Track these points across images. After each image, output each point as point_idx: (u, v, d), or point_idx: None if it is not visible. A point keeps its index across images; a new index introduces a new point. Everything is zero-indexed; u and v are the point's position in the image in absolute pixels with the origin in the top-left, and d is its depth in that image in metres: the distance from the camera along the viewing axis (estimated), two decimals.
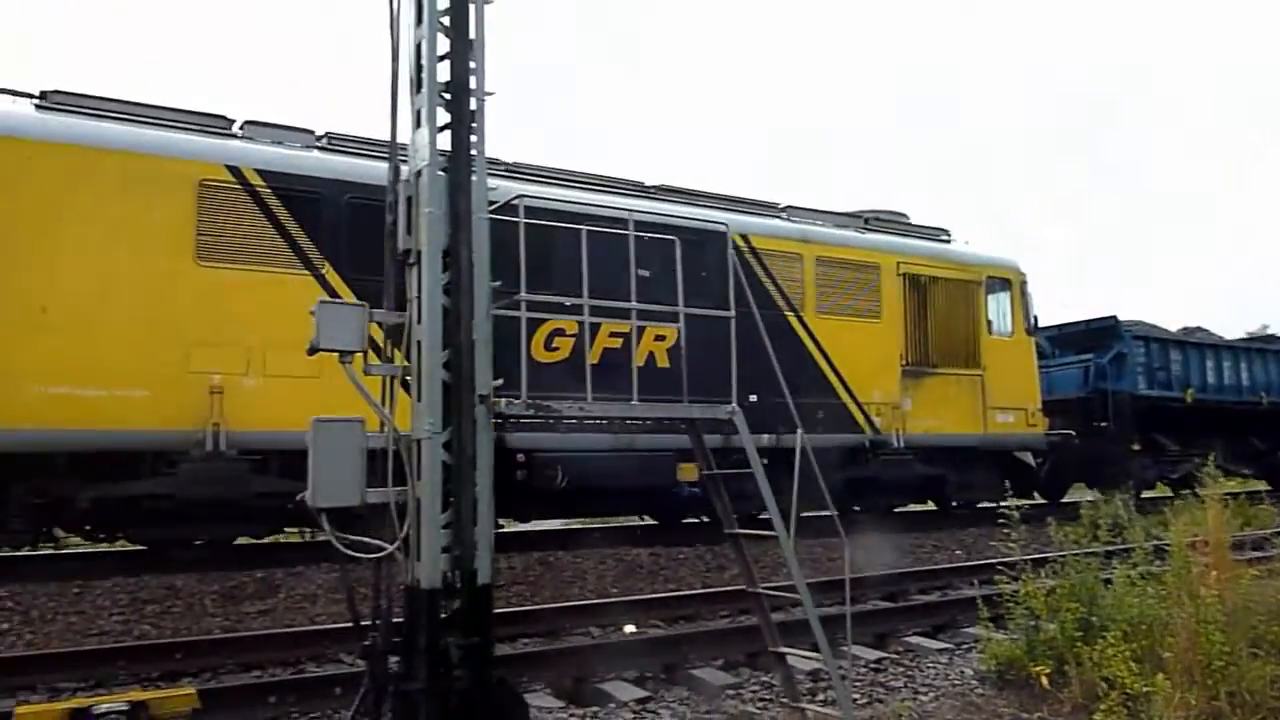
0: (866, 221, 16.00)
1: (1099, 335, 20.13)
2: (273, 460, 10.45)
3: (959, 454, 15.92)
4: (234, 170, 10.63)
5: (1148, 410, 19.40)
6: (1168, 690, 5.25)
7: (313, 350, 4.51)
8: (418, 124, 4.79)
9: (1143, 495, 18.34)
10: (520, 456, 11.26)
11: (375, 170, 11.25)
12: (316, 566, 9.81)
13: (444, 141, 4.75)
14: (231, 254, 10.50)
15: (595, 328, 10.81)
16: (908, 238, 16.30)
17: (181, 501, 9.93)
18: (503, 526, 12.97)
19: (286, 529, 11.75)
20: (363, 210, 11.05)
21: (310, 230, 10.93)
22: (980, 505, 16.75)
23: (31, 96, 10.22)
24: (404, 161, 4.88)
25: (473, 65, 4.80)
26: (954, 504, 16.71)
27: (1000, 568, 7.48)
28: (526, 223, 5.28)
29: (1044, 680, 6.10)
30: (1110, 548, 9.03)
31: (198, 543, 10.58)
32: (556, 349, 11.23)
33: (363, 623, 4.64)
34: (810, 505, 5.70)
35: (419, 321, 4.60)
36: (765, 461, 5.54)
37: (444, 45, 4.79)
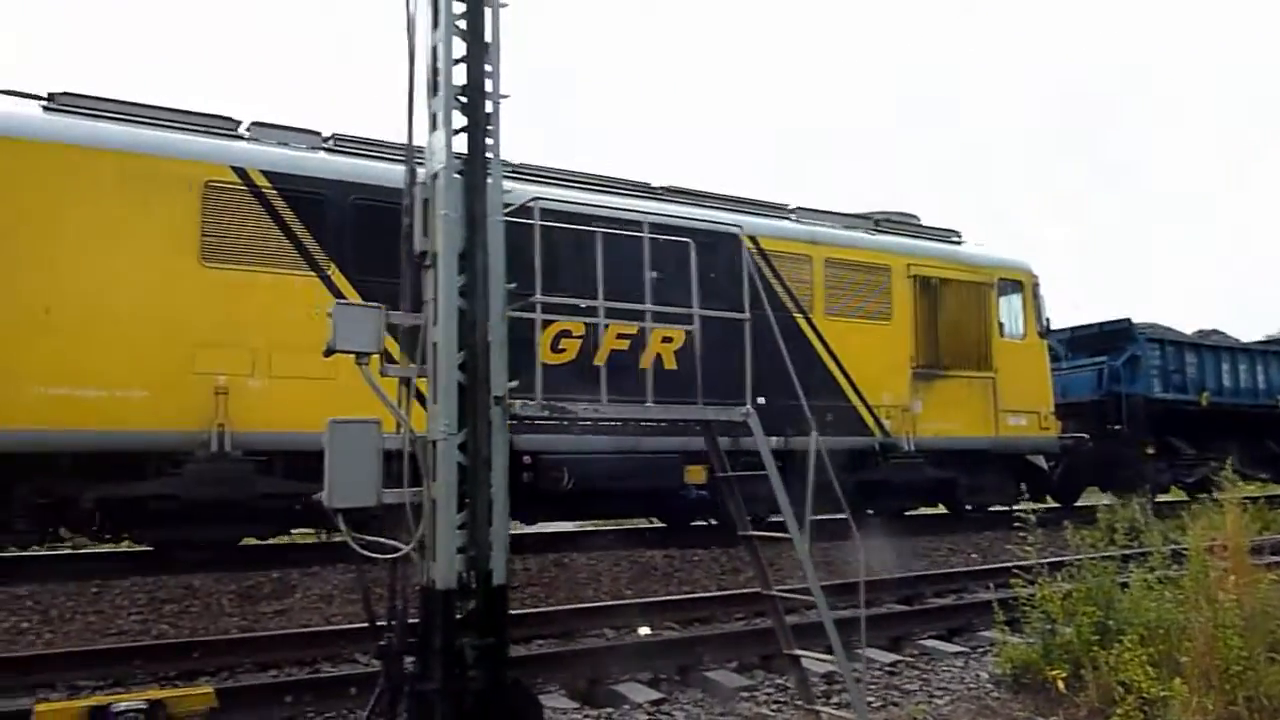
0: (877, 223, 15.92)
1: (1112, 338, 19.98)
2: (278, 461, 10.47)
3: (970, 457, 15.81)
4: (239, 171, 10.67)
5: (1162, 413, 19.24)
6: (1185, 695, 5.22)
7: (329, 352, 4.53)
8: (434, 127, 4.81)
9: (1157, 499, 18.21)
10: (526, 458, 11.27)
11: (381, 171, 11.31)
12: (332, 567, 9.85)
13: (460, 144, 4.77)
14: (237, 255, 10.54)
15: (604, 330, 10.81)
16: (918, 239, 16.21)
17: (186, 502, 9.96)
18: (517, 528, 12.99)
19: (294, 530, 11.82)
20: (368, 211, 11.10)
21: (315, 231, 10.96)
22: (993, 509, 16.68)
23: (39, 98, 10.29)
24: (420, 164, 4.90)
25: (488, 68, 4.82)
26: (966, 507, 16.63)
27: (1016, 571, 7.45)
28: (539, 224, 5.29)
29: (1060, 684, 6.07)
30: (1127, 551, 8.98)
31: (200, 544, 10.51)
32: (563, 350, 11.22)
33: (378, 623, 4.66)
34: (823, 508, 5.69)
35: (435, 323, 4.62)
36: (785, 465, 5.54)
37: (459, 49, 4.81)
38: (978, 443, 15.82)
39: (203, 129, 10.94)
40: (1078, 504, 19.79)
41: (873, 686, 6.66)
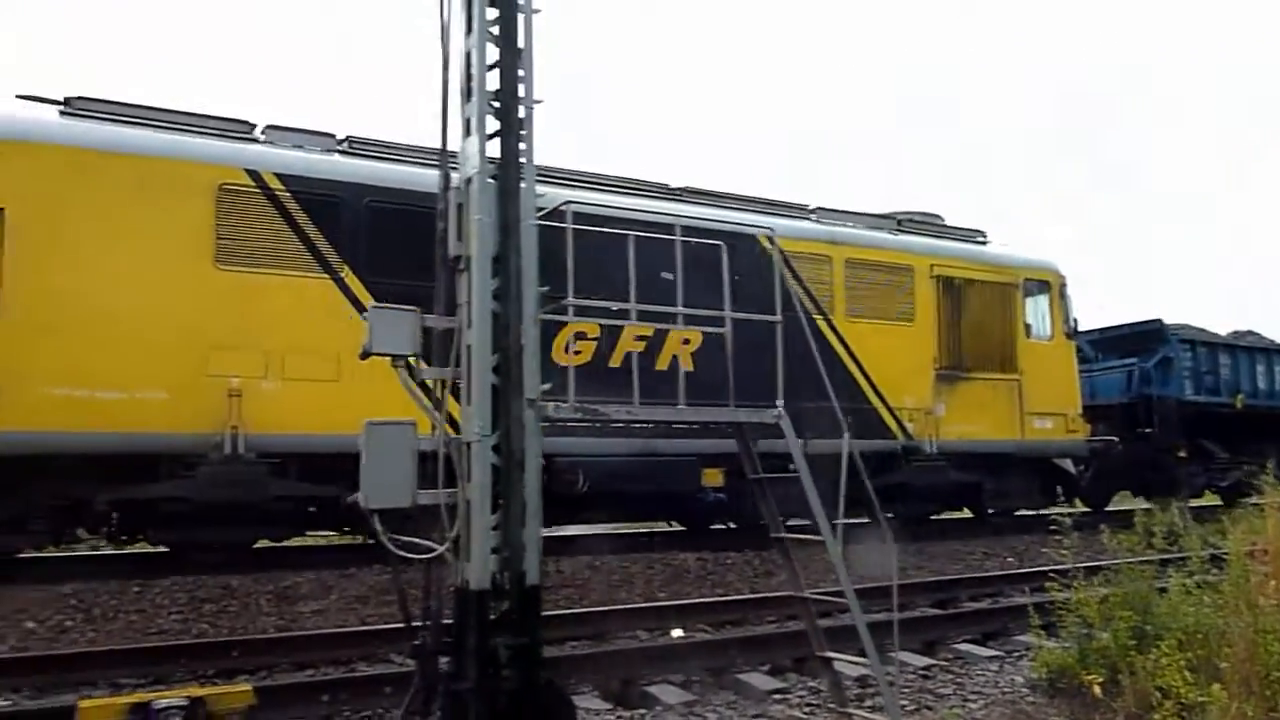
0: (900, 223, 15.78)
1: (1143, 339, 19.66)
2: (291, 463, 10.53)
3: (995, 461, 15.63)
4: (253, 174, 10.77)
5: (1195, 416, 18.92)
6: (1224, 701, 5.15)
7: (365, 354, 4.59)
8: (467, 132, 4.85)
9: (1190, 504, 17.95)
10: (540, 460, 11.23)
11: (394, 174, 11.40)
12: (368, 568, 9.94)
13: (493, 149, 4.81)
14: (251, 258, 10.63)
15: (619, 331, 10.80)
16: (942, 239, 16.06)
17: (200, 504, 10.03)
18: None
19: (310, 532, 11.90)
20: (382, 214, 11.18)
21: (329, 234, 11.04)
22: (1024, 513, 16.48)
23: (56, 103, 10.46)
24: (454, 169, 4.95)
25: (521, 74, 4.85)
26: (991, 512, 16.43)
27: (1052, 575, 7.39)
28: (564, 227, 5.29)
29: (1096, 689, 6.01)
30: (1165, 556, 8.88)
31: (214, 545, 10.62)
32: (579, 352, 11.22)
33: (413, 623, 4.71)
34: (851, 511, 5.66)
35: (469, 326, 4.66)
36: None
37: (492, 54, 4.85)
38: (1003, 446, 15.65)
39: (218, 132, 11.04)
40: (1109, 508, 19.53)
41: (906, 690, 6.63)
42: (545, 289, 4.88)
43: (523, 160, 4.83)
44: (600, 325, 9.64)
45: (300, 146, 11.41)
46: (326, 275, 10.98)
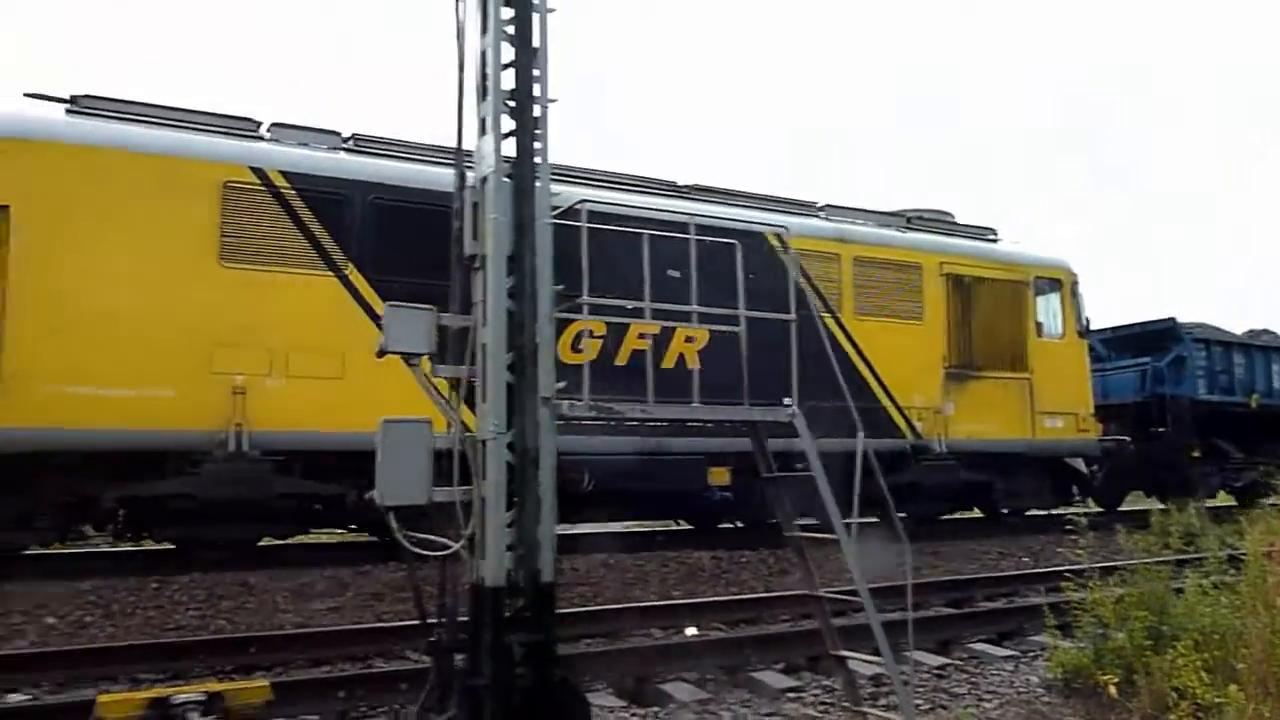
0: (909, 221, 15.71)
1: (1156, 338, 19.50)
2: (295, 461, 10.57)
3: (1005, 460, 15.53)
4: (258, 172, 10.80)
5: (1208, 416, 18.76)
6: (1241, 702, 5.13)
7: (382, 353, 4.62)
8: (482, 131, 4.87)
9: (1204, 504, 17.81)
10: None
11: (399, 171, 11.43)
12: (384, 566, 9.99)
13: (508, 148, 4.83)
14: (255, 255, 10.67)
15: (624, 330, 10.78)
16: (952, 237, 15.95)
17: (204, 501, 10.08)
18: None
19: (313, 530, 11.94)
20: (386, 211, 11.20)
21: (334, 231, 11.06)
22: (1038, 513, 16.39)
23: (63, 101, 10.53)
24: (469, 168, 4.97)
25: (536, 73, 4.87)
26: (1004, 511, 16.32)
27: (1067, 575, 7.37)
28: (576, 225, 5.30)
29: (1112, 689, 5.99)
30: (1182, 557, 8.84)
31: (218, 542, 10.66)
32: (582, 350, 11.21)
33: (429, 620, 4.73)
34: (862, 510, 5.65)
35: (484, 325, 4.68)
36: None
37: (508, 54, 4.87)
38: (1013, 445, 15.54)
39: (223, 130, 11.09)
40: (1121, 508, 19.41)
41: (920, 689, 6.62)
42: (560, 287, 4.89)
43: (537, 159, 4.85)
44: (606, 323, 9.66)
45: (305, 144, 11.45)
46: (331, 273, 11.01)
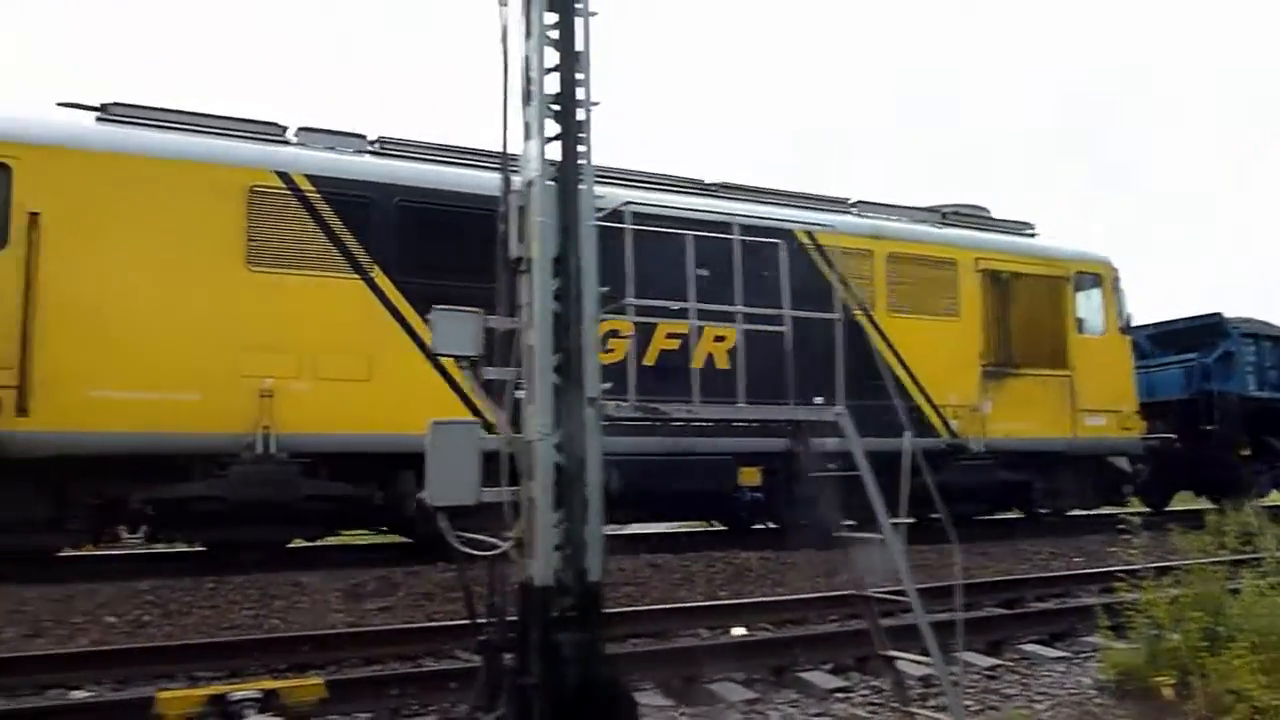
0: (944, 216, 15.53)
1: (1202, 333, 19.00)
2: (323, 463, 10.64)
3: (1045, 459, 15.24)
4: (284, 176, 10.92)
5: (1257, 412, 18.26)
6: None
7: (433, 355, 4.68)
8: (527, 136, 4.91)
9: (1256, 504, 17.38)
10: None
11: (424, 173, 11.52)
12: (434, 566, 10.09)
13: (553, 152, 4.87)
14: (282, 259, 10.79)
15: (652, 329, 10.75)
16: (987, 232, 15.73)
17: (233, 504, 10.20)
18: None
19: (343, 531, 12.04)
20: (412, 213, 11.28)
21: (359, 234, 11.14)
22: (1085, 512, 16.09)
23: (94, 109, 10.76)
24: (515, 172, 5.02)
25: (579, 77, 4.91)
26: (1042, 511, 16.04)
27: (1120, 575, 7.26)
28: (615, 226, 5.32)
29: (1168, 691, 5.91)
30: (1238, 557, 8.67)
31: (248, 545, 10.76)
32: (611, 350, 11.19)
33: (478, 619, 4.79)
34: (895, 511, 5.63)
35: (530, 327, 4.73)
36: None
37: (551, 58, 4.91)
38: (1053, 444, 15.25)
39: (249, 135, 11.24)
40: (1169, 508, 19.00)
41: (971, 690, 6.57)
42: (606, 289, 4.93)
43: (581, 162, 4.88)
44: (634, 323, 9.65)
45: (332, 148, 11.56)
46: (357, 275, 11.10)
